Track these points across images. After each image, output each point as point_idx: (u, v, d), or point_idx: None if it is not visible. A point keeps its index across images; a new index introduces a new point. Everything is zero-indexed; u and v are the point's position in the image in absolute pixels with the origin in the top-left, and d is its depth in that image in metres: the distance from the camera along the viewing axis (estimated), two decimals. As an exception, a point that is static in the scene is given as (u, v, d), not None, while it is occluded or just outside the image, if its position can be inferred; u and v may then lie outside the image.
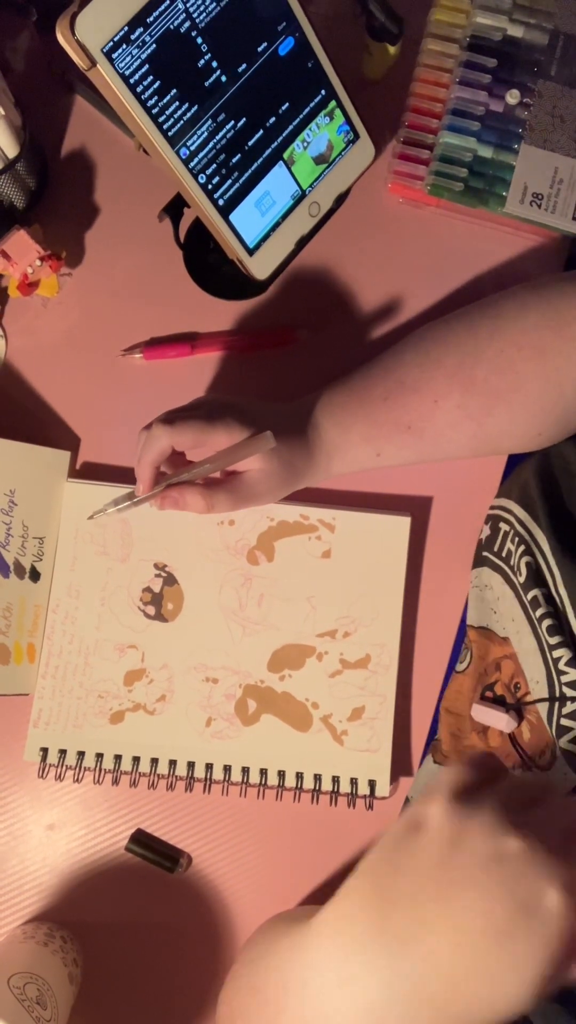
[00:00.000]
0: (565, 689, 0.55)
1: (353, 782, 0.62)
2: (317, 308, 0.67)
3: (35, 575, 0.63)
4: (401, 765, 0.63)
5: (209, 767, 0.62)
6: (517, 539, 0.60)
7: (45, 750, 0.62)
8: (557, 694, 0.56)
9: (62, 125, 0.68)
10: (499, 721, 0.60)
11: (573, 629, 0.56)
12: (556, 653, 0.56)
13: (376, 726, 0.62)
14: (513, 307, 0.57)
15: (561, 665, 0.56)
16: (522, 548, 0.60)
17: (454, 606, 0.64)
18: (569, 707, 0.55)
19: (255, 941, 0.52)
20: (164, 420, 0.53)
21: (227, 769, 0.62)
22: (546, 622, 0.57)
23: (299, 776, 0.62)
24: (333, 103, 0.59)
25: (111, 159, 0.67)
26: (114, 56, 0.50)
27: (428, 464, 0.61)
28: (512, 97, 0.65)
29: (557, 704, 0.55)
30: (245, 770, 0.62)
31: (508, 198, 0.64)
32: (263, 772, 0.62)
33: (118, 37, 0.49)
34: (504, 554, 0.62)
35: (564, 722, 0.55)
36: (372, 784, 0.62)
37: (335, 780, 0.62)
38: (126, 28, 0.49)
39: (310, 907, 0.59)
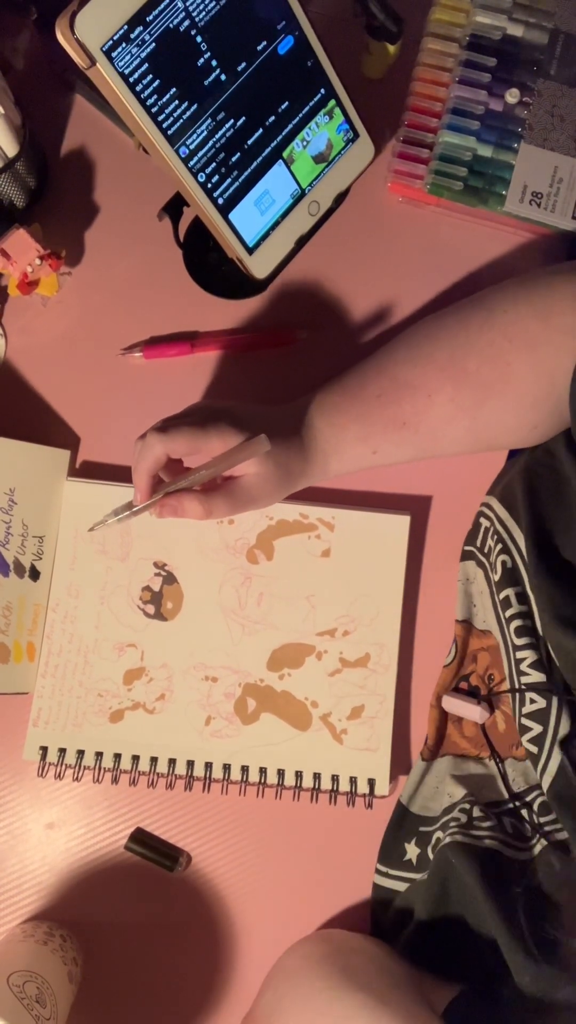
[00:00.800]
0: (524, 689, 0.56)
1: (352, 781, 0.62)
2: (317, 308, 0.67)
3: (35, 574, 0.63)
4: (400, 764, 0.63)
5: (208, 766, 0.62)
6: (496, 536, 0.61)
7: (44, 749, 0.62)
8: (517, 694, 0.57)
9: (62, 124, 0.68)
10: (471, 712, 0.61)
11: (539, 632, 0.57)
12: (520, 654, 0.57)
13: (375, 725, 0.62)
14: (503, 299, 0.57)
15: (524, 666, 0.56)
16: (500, 547, 0.60)
17: (453, 605, 0.64)
18: (529, 707, 0.55)
19: (293, 1010, 0.52)
20: (158, 428, 0.53)
21: (226, 768, 0.62)
22: (515, 623, 0.57)
23: (298, 775, 0.62)
24: (332, 102, 0.59)
25: (111, 158, 0.67)
26: (114, 55, 0.50)
27: (427, 463, 0.61)
28: (512, 96, 0.65)
29: (518, 703, 0.56)
30: (244, 769, 0.62)
31: (508, 197, 0.64)
32: (262, 771, 0.62)
33: (118, 36, 0.49)
34: (485, 550, 0.62)
35: (524, 721, 0.56)
36: (371, 783, 0.62)
37: (334, 779, 0.62)
38: (125, 27, 0.49)
39: (336, 946, 0.59)
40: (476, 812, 0.58)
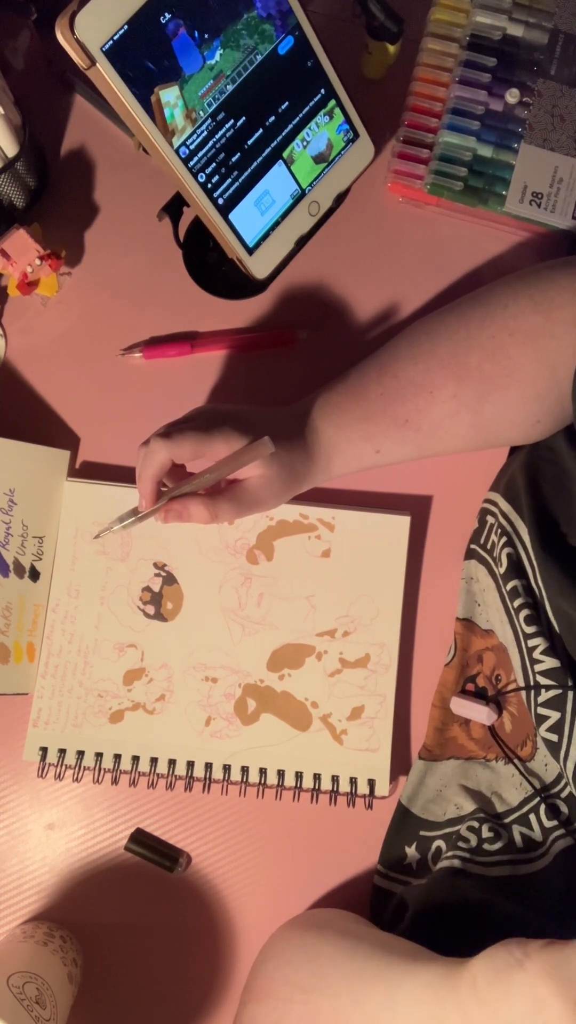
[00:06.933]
0: (539, 678, 0.56)
1: (352, 781, 0.62)
2: (317, 308, 0.67)
3: (35, 574, 0.63)
4: (401, 764, 0.63)
5: (208, 766, 0.62)
6: (500, 531, 0.61)
7: (44, 749, 0.62)
8: (532, 683, 0.56)
9: (62, 124, 0.68)
10: (479, 714, 0.60)
11: (550, 619, 0.56)
12: (531, 642, 0.57)
13: (375, 725, 0.62)
14: (503, 294, 0.57)
15: (536, 654, 0.56)
16: (504, 540, 0.60)
17: (454, 605, 0.64)
18: (544, 695, 0.55)
19: (297, 964, 0.52)
20: (161, 434, 0.53)
21: (226, 768, 0.62)
22: (524, 612, 0.57)
23: (299, 775, 0.62)
24: (332, 102, 0.59)
25: (111, 158, 0.67)
26: (114, 55, 0.50)
27: (427, 463, 0.61)
28: (512, 96, 0.65)
29: (533, 693, 0.56)
30: (244, 769, 0.62)
31: (508, 197, 0.64)
32: (262, 771, 0.62)
33: (118, 36, 0.49)
34: (488, 546, 0.62)
35: (541, 711, 0.55)
36: (371, 783, 0.62)
37: (335, 779, 0.62)
38: (126, 27, 0.49)
39: (331, 915, 0.59)
40: (486, 832, 0.58)
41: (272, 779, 0.62)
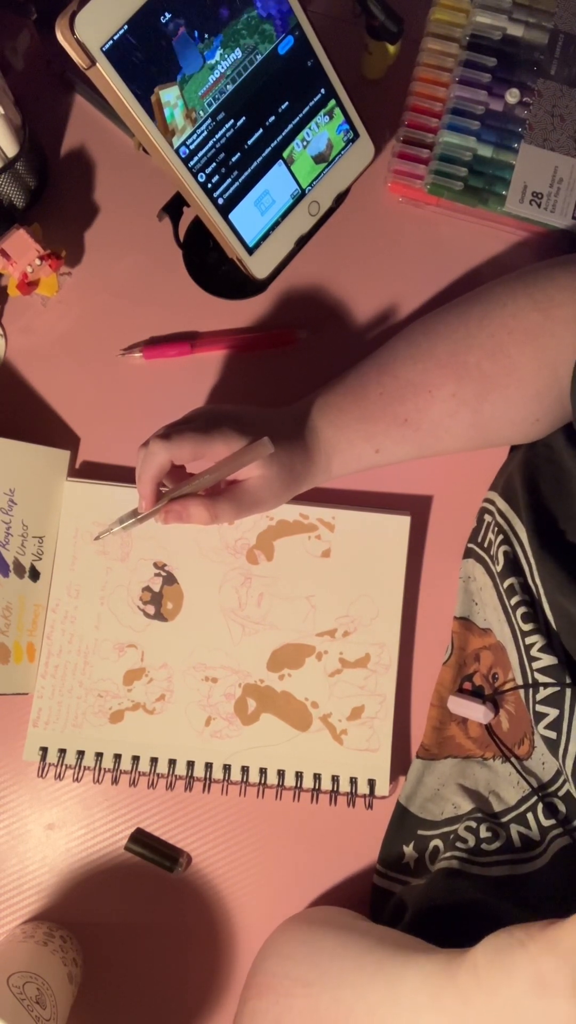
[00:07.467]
0: (537, 675, 0.56)
1: (353, 781, 0.62)
2: (317, 308, 0.67)
3: (35, 574, 0.63)
4: (401, 764, 0.63)
5: (208, 766, 0.62)
6: (497, 529, 0.61)
7: (44, 749, 0.62)
8: (530, 681, 0.56)
9: (62, 124, 0.68)
10: (476, 713, 0.60)
11: (547, 617, 0.56)
12: (529, 640, 0.57)
13: (375, 725, 0.62)
14: (502, 293, 0.57)
15: (534, 652, 0.56)
16: (501, 538, 0.60)
17: (453, 605, 0.64)
18: (543, 693, 0.55)
19: (298, 959, 0.52)
20: (161, 435, 0.53)
21: (226, 768, 0.62)
22: (520, 610, 0.57)
23: (299, 775, 0.62)
24: (333, 102, 0.59)
25: (111, 158, 0.67)
26: (114, 55, 0.50)
27: (427, 463, 0.61)
28: (512, 96, 0.65)
29: (531, 691, 0.56)
30: (244, 769, 0.62)
31: (508, 197, 0.64)
32: (263, 771, 0.62)
33: (118, 36, 0.49)
34: (485, 544, 0.62)
35: (539, 708, 0.55)
36: (372, 783, 0.62)
37: (335, 779, 0.62)
38: (126, 27, 0.49)
39: (331, 912, 0.59)
40: (484, 832, 0.58)
41: (272, 779, 0.62)
